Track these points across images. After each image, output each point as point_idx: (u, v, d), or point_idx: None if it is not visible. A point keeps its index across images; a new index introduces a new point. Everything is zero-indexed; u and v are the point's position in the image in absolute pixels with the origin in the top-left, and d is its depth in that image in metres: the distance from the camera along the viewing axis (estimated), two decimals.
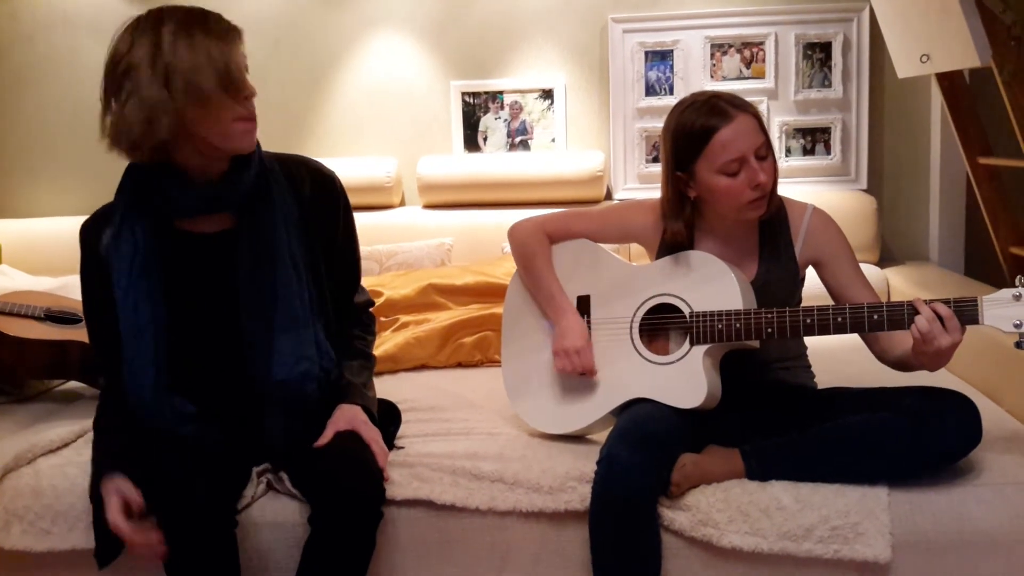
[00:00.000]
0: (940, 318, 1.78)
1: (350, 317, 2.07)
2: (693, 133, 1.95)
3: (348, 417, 1.91)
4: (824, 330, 1.90)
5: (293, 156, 2.01)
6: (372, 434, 1.91)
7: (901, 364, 1.97)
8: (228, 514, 1.85)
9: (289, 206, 1.92)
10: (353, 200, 2.07)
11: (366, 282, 2.94)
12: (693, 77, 3.53)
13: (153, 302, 1.84)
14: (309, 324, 1.91)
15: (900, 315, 1.84)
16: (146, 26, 1.74)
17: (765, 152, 1.96)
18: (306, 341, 1.90)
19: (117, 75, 1.74)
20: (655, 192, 2.15)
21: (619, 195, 3.60)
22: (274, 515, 1.96)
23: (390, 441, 2.09)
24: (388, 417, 2.15)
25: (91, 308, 1.94)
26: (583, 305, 2.15)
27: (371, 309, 2.17)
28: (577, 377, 2.11)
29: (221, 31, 1.76)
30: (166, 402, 1.85)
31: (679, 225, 2.05)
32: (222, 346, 1.90)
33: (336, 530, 1.77)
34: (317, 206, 1.97)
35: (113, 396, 1.92)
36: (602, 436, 1.97)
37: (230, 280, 1.88)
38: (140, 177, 1.85)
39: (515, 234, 2.24)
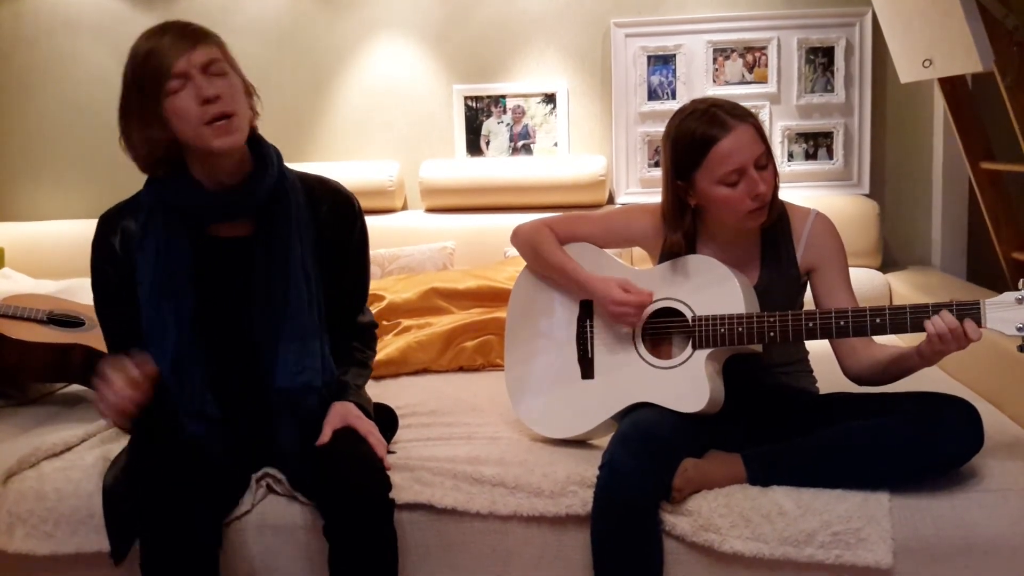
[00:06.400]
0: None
1: (352, 333, 2.09)
2: (692, 143, 1.95)
3: (342, 414, 1.93)
4: (826, 334, 1.90)
5: (314, 176, 2.05)
6: (367, 427, 1.93)
7: (880, 369, 1.97)
8: (214, 529, 1.83)
9: (306, 222, 1.95)
10: None
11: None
12: (696, 81, 3.53)
13: (177, 300, 1.86)
14: (316, 337, 1.93)
15: (902, 319, 1.84)
16: (136, 42, 1.82)
17: (765, 161, 1.96)
18: (311, 353, 1.92)
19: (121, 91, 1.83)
20: (657, 196, 2.14)
21: (621, 199, 3.60)
22: (276, 518, 1.96)
23: None
24: (385, 422, 2.15)
25: (105, 298, 1.94)
26: (586, 309, 2.15)
27: (374, 316, 2.17)
28: (580, 381, 2.11)
29: (180, 35, 1.79)
30: (198, 396, 1.87)
31: (678, 236, 2.05)
32: (234, 350, 1.91)
33: (354, 533, 1.77)
34: (333, 225, 2.00)
35: None
36: (604, 441, 1.97)
37: (245, 285, 1.91)
38: (161, 184, 1.89)
39: (519, 232, 2.24)
